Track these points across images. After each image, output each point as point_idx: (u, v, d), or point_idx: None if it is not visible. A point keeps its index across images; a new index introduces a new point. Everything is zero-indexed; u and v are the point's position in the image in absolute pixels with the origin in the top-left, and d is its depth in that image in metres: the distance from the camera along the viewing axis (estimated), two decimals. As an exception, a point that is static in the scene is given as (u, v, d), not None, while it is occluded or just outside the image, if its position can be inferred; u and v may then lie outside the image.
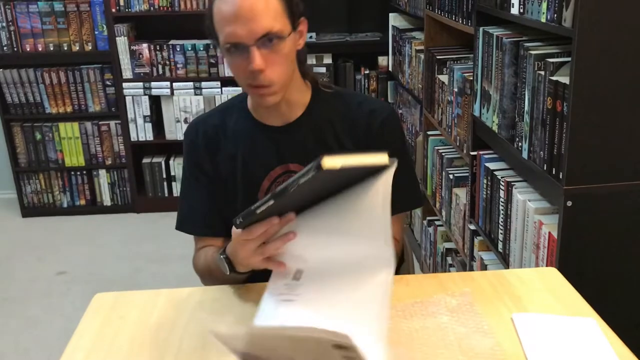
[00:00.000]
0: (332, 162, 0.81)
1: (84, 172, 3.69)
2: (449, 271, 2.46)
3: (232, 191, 1.30)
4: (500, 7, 1.69)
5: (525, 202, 1.59)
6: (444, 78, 2.40)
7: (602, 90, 1.29)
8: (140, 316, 1.13)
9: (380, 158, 0.88)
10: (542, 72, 1.42)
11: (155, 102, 3.59)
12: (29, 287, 2.96)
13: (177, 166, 3.69)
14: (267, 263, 1.04)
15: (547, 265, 1.47)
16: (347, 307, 0.97)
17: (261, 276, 1.18)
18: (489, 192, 1.84)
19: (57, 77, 3.51)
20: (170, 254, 3.16)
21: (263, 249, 1.01)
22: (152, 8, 3.42)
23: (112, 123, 3.61)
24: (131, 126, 3.59)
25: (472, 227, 2.03)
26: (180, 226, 1.35)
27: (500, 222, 1.77)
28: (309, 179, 0.84)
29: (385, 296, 0.96)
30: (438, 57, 2.47)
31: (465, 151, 2.11)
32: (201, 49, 3.48)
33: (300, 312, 0.98)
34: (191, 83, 3.51)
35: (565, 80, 1.33)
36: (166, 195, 3.72)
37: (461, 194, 2.20)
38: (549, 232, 1.45)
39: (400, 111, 3.40)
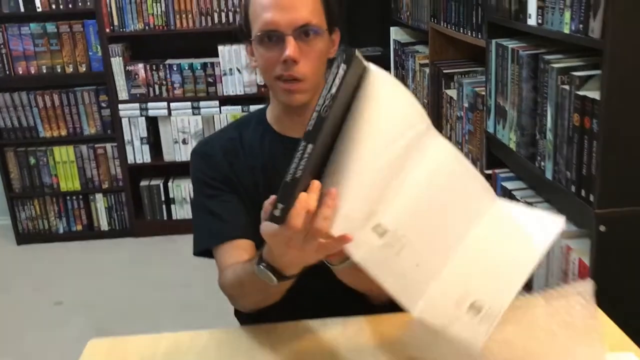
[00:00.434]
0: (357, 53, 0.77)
1: (80, 196, 3.60)
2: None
3: (254, 204, 1.17)
4: (515, 18, 1.59)
5: (550, 224, 1.48)
6: (452, 93, 2.31)
7: (636, 104, 1.19)
8: (139, 368, 1.03)
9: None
10: (567, 87, 1.33)
11: (153, 123, 3.51)
12: (24, 319, 2.84)
13: (175, 188, 3.59)
14: (326, 249, 0.83)
15: (578, 294, 1.36)
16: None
17: (272, 314, 1.07)
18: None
19: (51, 99, 3.42)
20: (172, 280, 3.05)
21: (314, 233, 0.80)
22: (147, 27, 3.34)
23: (108, 146, 3.52)
24: (128, 148, 3.49)
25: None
26: (201, 244, 1.19)
27: (520, 245, 1.66)
28: (341, 87, 0.75)
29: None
30: (445, 71, 2.39)
31: (479, 169, 2.01)
32: (198, 67, 3.39)
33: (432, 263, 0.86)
34: (189, 103, 3.43)
35: (594, 95, 1.23)
36: (165, 218, 3.61)
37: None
38: (579, 259, 1.34)
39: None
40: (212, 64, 3.38)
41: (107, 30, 3.31)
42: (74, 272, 3.26)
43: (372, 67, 0.84)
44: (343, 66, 0.76)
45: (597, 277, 1.27)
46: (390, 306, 0.97)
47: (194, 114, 3.44)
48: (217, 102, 3.43)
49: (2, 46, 3.33)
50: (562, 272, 1.44)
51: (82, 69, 3.39)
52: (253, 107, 3.42)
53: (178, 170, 3.60)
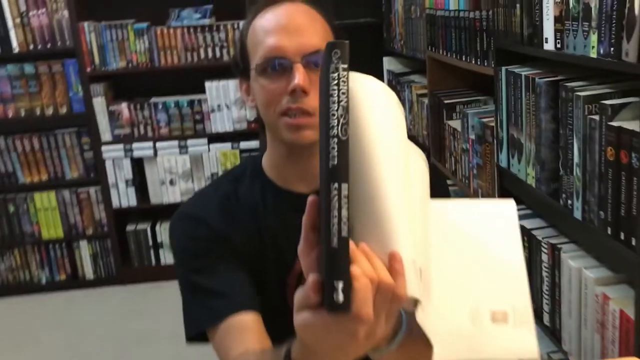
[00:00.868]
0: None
1: (63, 244, 3.41)
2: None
3: (258, 275, 1.00)
4: (529, 43, 1.46)
5: (581, 270, 1.33)
6: (455, 124, 2.18)
7: (682, 136, 1.05)
8: None
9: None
10: (596, 117, 1.19)
11: (138, 165, 3.35)
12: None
13: (163, 232, 3.41)
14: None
15: (621, 351, 1.20)
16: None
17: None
18: (526, 254, 1.59)
19: (30, 143, 3.26)
20: (161, 331, 2.85)
21: (390, 314, 0.61)
22: (130, 65, 3.20)
23: (92, 189, 3.35)
24: (112, 192, 3.33)
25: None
26: (193, 327, 0.99)
27: (545, 291, 1.50)
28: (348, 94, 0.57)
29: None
30: (446, 101, 2.26)
31: (490, 206, 1.86)
32: (185, 105, 3.26)
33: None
34: (176, 142, 3.28)
35: (631, 125, 1.09)
36: (153, 264, 3.43)
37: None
38: (620, 310, 1.19)
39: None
40: (200, 100, 3.26)
41: (88, 69, 3.17)
42: (57, 327, 3.06)
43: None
44: (342, 65, 0.57)
45: (646, 332, 1.12)
46: None
47: (181, 153, 3.30)
48: (205, 140, 3.29)
49: (-22, 89, 3.18)
50: (599, 323, 1.28)
51: (63, 110, 3.24)
52: (244, 144, 3.30)
53: (165, 212, 3.41)
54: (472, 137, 1.96)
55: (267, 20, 0.96)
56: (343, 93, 0.56)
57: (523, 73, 1.49)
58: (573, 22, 1.24)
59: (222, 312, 0.94)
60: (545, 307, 1.51)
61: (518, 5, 1.49)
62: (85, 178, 3.34)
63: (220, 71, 3.17)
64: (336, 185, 0.55)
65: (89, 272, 3.45)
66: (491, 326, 0.71)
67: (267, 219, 1.02)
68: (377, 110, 0.65)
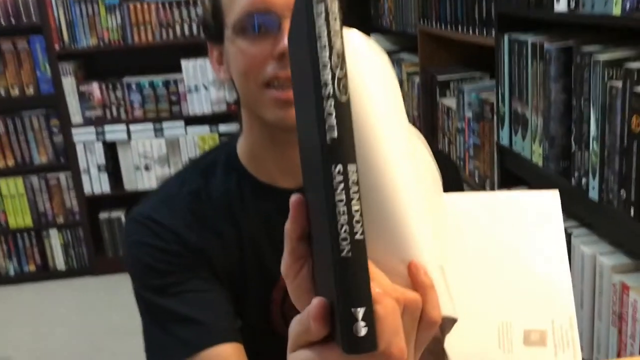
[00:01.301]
0: None
1: (32, 233, 3.31)
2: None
3: (236, 288, 0.84)
4: (537, 4, 1.32)
5: (595, 256, 1.19)
6: (449, 102, 2.04)
7: None
8: None
9: None
10: (619, 83, 1.05)
11: (111, 149, 3.25)
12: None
13: (139, 220, 3.27)
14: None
15: (645, 347, 1.07)
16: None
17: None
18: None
19: (-5, 126, 3.12)
20: (136, 324, 2.69)
21: (422, 343, 0.46)
22: (101, 43, 3.08)
23: (62, 175, 3.24)
24: (84, 177, 3.22)
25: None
26: None
27: (552, 279, 1.37)
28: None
29: None
30: (439, 78, 2.11)
31: (489, 188, 1.73)
32: (160, 85, 3.14)
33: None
34: (151, 124, 3.17)
35: (663, 91, 0.95)
36: (129, 253, 3.29)
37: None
38: (645, 301, 1.05)
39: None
40: (176, 80, 3.15)
41: (57, 47, 3.06)
42: (26, 320, 2.94)
43: None
44: (333, 10, 0.38)
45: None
46: None
47: (156, 136, 3.20)
48: (182, 123, 3.20)
49: (-63, 68, 3.02)
50: (615, 315, 1.15)
51: (30, 90, 3.12)
52: (223, 127, 3.16)
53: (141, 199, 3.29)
54: (469, 114, 1.82)
55: None
56: (335, 34, 0.39)
57: (529, 39, 1.35)
58: (591, -24, 1.09)
59: (195, 344, 0.77)
60: (552, 298, 1.38)
61: (524, -36, 1.34)
62: (54, 163, 3.25)
63: (198, 49, 2.95)
64: (339, 167, 0.38)
65: (60, 263, 3.37)
66: (523, 350, 0.56)
67: (246, 221, 0.84)
68: (373, 73, 0.48)
